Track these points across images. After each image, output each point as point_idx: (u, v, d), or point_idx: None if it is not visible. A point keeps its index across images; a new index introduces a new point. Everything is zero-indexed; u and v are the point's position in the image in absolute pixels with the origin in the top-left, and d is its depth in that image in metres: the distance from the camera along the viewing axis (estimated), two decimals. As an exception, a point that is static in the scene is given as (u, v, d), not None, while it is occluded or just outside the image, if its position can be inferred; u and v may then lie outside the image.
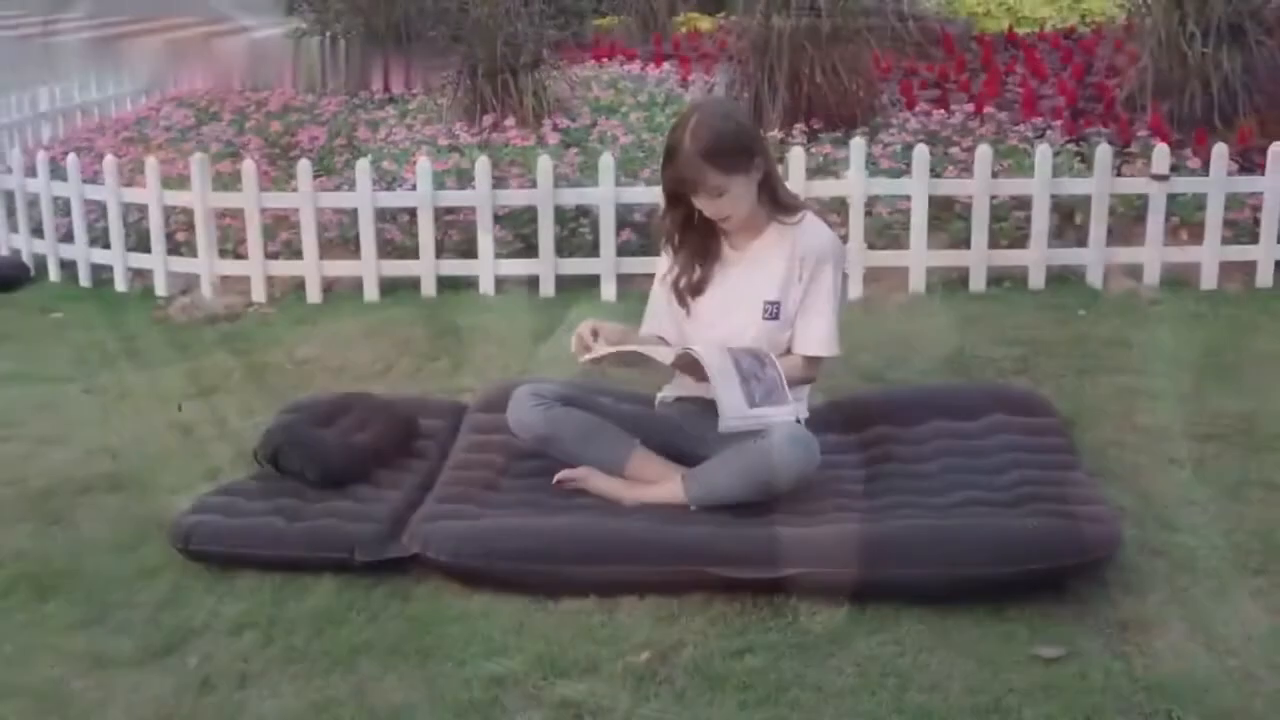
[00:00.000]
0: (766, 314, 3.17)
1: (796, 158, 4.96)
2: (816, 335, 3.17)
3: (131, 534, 3.23)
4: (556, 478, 3.18)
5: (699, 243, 3.22)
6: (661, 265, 3.32)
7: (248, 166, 5.21)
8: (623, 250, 5.09)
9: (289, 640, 2.70)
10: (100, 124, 7.92)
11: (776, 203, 3.17)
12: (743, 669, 2.53)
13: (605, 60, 8.06)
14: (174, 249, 5.52)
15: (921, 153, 4.94)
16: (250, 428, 3.86)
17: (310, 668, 2.61)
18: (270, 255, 5.34)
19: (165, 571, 3.02)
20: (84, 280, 5.73)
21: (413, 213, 5.32)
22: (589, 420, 3.18)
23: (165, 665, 2.64)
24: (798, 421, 3.09)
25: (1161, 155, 5.00)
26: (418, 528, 2.96)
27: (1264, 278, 5.07)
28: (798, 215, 3.18)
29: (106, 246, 5.65)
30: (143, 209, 5.61)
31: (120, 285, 5.61)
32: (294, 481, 3.27)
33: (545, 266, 5.07)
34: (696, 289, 3.22)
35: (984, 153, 4.93)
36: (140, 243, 5.62)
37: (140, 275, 5.65)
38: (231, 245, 5.52)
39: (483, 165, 5.05)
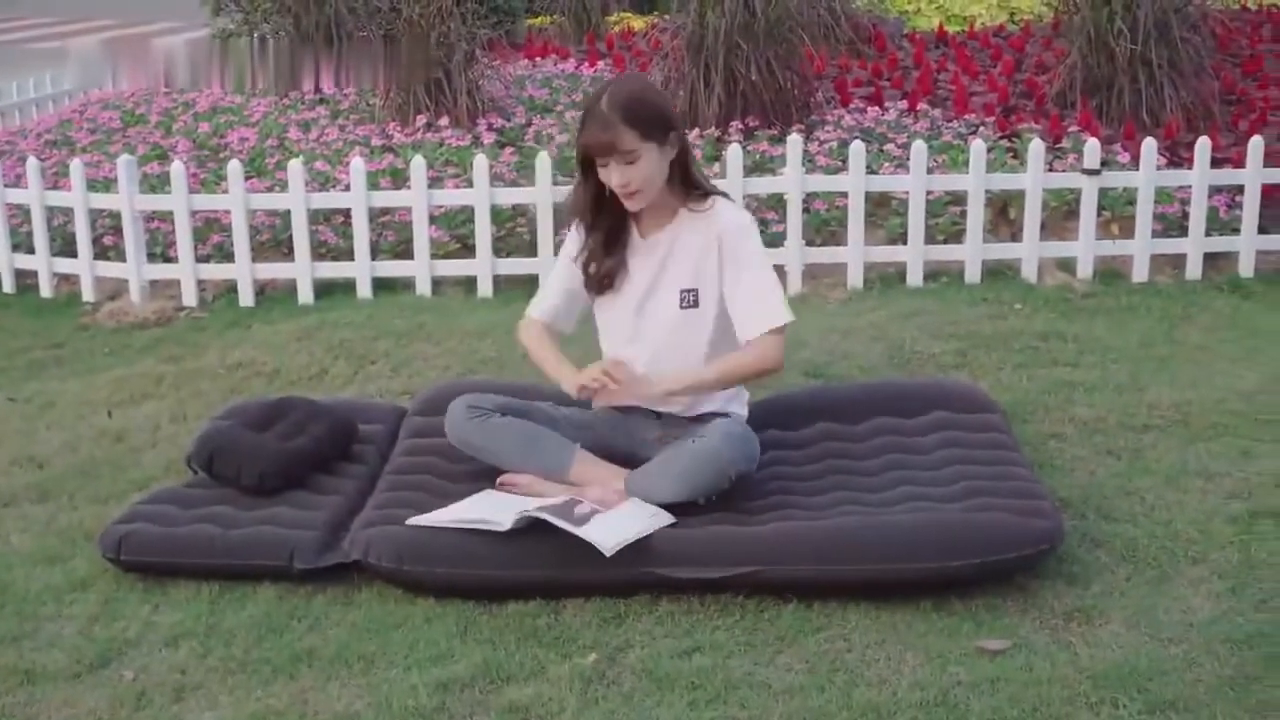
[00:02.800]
0: (684, 302, 3.11)
1: (734, 155, 4.95)
2: (762, 310, 3.04)
3: (61, 545, 3.15)
4: (499, 481, 3.14)
5: (609, 228, 3.13)
6: (569, 244, 3.23)
7: (176, 168, 5.11)
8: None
9: (228, 650, 2.64)
10: (22, 127, 7.74)
11: (689, 187, 3.09)
12: (691, 669, 2.51)
13: (539, 59, 8.02)
14: (101, 253, 5.40)
15: (858, 149, 4.96)
16: (183, 434, 3.78)
17: (250, 678, 2.55)
18: (201, 258, 5.24)
19: (97, 583, 2.95)
20: (7, 286, 5.58)
21: (347, 214, 5.25)
22: (528, 429, 3.12)
23: (99, 679, 2.57)
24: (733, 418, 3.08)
25: (1092, 151, 5.06)
26: (358, 534, 2.91)
27: (1193, 270, 5.15)
28: (709, 202, 3.10)
29: (30, 251, 5.51)
30: (68, 212, 5.48)
31: (45, 291, 5.47)
32: (229, 488, 3.20)
33: (483, 267, 5.03)
34: (606, 278, 3.15)
35: (919, 149, 4.96)
36: (65, 247, 5.49)
37: (66, 280, 5.52)
38: (161, 249, 5.41)
39: (418, 165, 4.99)
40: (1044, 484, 3.09)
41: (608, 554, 2.69)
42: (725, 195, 3.19)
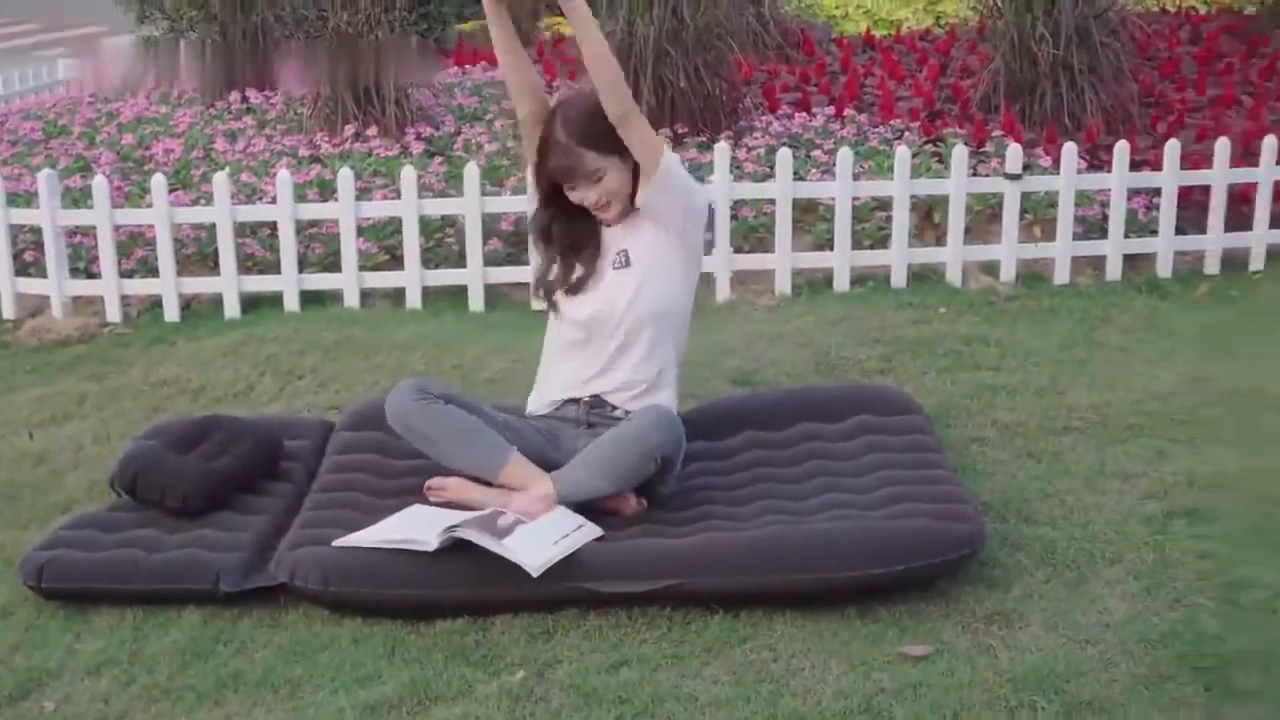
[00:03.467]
0: (616, 264, 3.18)
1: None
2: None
3: (-21, 572, 3.10)
4: (426, 484, 3.13)
5: (576, 238, 3.21)
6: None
7: (99, 183, 5.04)
8: (490, 260, 5.05)
9: (151, 677, 2.62)
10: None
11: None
12: (618, 683, 2.52)
13: (468, 66, 7.99)
14: (21, 269, 5.31)
15: (784, 156, 5.00)
16: (106, 455, 3.73)
17: (174, 705, 2.53)
18: (125, 273, 5.17)
19: (17, 611, 2.91)
20: (-75, 304, 5.47)
21: (273, 226, 5.21)
22: (469, 422, 3.12)
23: (19, 711, 2.54)
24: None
25: (1015, 155, 5.14)
26: (285, 555, 2.89)
27: (1113, 271, 5.25)
28: None
29: (-52, 268, 5.40)
30: (-12, 228, 5.38)
31: (-36, 308, 5.37)
32: (153, 511, 3.17)
33: (412, 278, 5.01)
34: (578, 286, 3.20)
35: (845, 156, 5.01)
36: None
37: (-15, 297, 5.41)
38: (84, 264, 5.33)
39: (345, 177, 4.96)
40: (966, 487, 3.14)
41: (534, 574, 2.69)
42: None
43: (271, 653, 2.69)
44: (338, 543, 2.88)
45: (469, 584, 2.77)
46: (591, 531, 2.90)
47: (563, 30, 9.78)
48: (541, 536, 2.80)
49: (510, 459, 3.09)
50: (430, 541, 2.77)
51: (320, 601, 2.82)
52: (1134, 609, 2.73)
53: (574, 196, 3.13)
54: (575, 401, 3.25)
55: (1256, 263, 5.38)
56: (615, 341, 3.18)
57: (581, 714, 2.44)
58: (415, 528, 2.88)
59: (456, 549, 2.78)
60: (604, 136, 3.05)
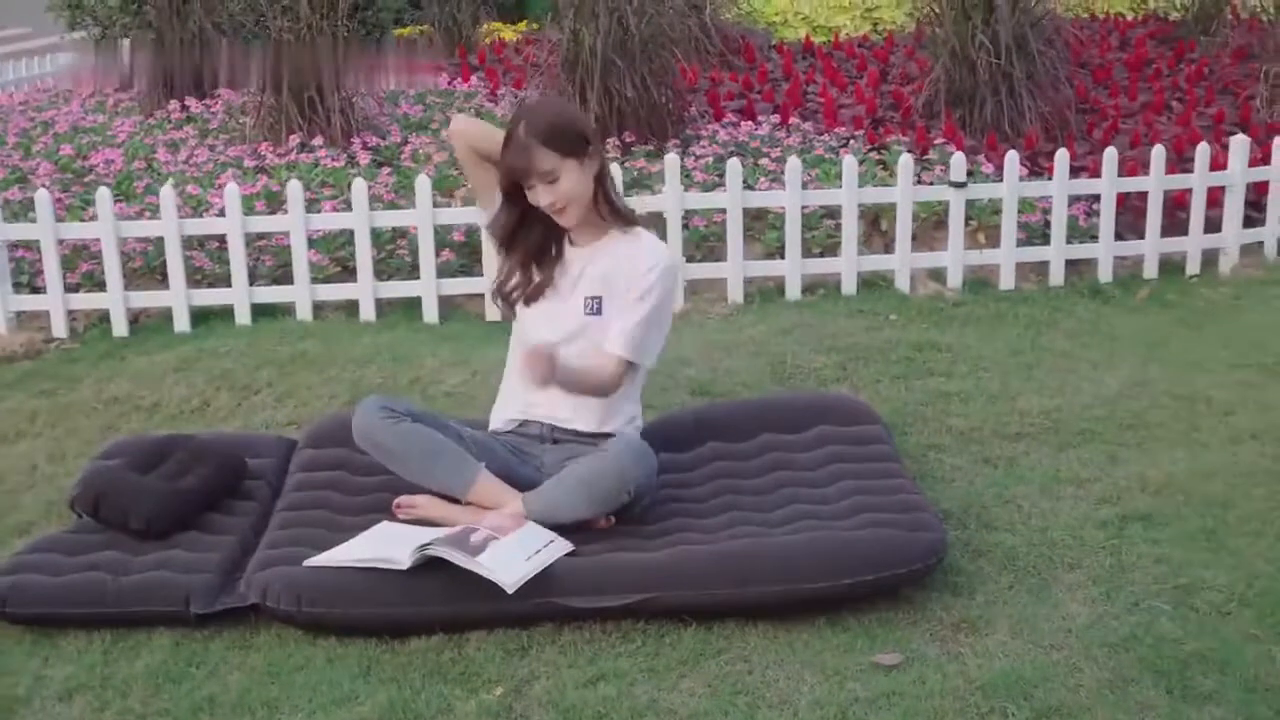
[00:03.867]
0: (588, 309, 3.22)
1: (613, 173, 4.99)
2: (617, 330, 3.17)
3: (-61, 598, 3.05)
4: (396, 503, 3.14)
5: (537, 245, 3.24)
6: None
7: (41, 196, 4.96)
8: (443, 271, 5.05)
9: (125, 703, 2.60)
10: None
11: (613, 208, 3.22)
12: (596, 698, 2.55)
13: (415, 76, 7.95)
14: (-39, 284, 5.21)
15: (734, 166, 5.05)
16: (62, 474, 3.70)
17: (150, 730, 2.52)
18: (70, 288, 5.10)
19: (-19, 638, 2.87)
20: None
21: (222, 239, 5.16)
22: (436, 440, 3.12)
23: (-10, 740, 2.51)
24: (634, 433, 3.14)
25: (959, 164, 5.23)
26: (255, 576, 2.88)
27: (1056, 276, 5.36)
28: (635, 230, 3.24)
29: (-115, 283, 5.29)
30: (-76, 242, 5.28)
31: (-97, 325, 5.26)
32: (116, 533, 3.14)
33: (364, 290, 4.99)
34: (535, 294, 3.24)
35: (794, 165, 5.07)
36: (-77, 278, 5.28)
37: (-75, 313, 5.31)
38: (26, 278, 5.24)
39: (295, 189, 4.93)
40: (925, 496, 3.20)
41: (510, 591, 2.71)
42: (648, 226, 3.32)
43: (245, 675, 2.68)
44: (309, 562, 2.87)
45: (443, 601, 2.78)
46: (562, 546, 2.92)
47: (503, 35, 9.78)
48: (514, 552, 2.82)
49: (479, 477, 3.10)
50: (403, 560, 2.78)
51: (293, 622, 2.81)
52: (1095, 613, 2.81)
53: (531, 198, 3.14)
54: (536, 421, 3.28)
55: (1193, 266, 5.52)
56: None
57: (562, 730, 2.47)
58: (386, 546, 2.88)
59: (430, 566, 2.79)
60: (563, 140, 3.08)
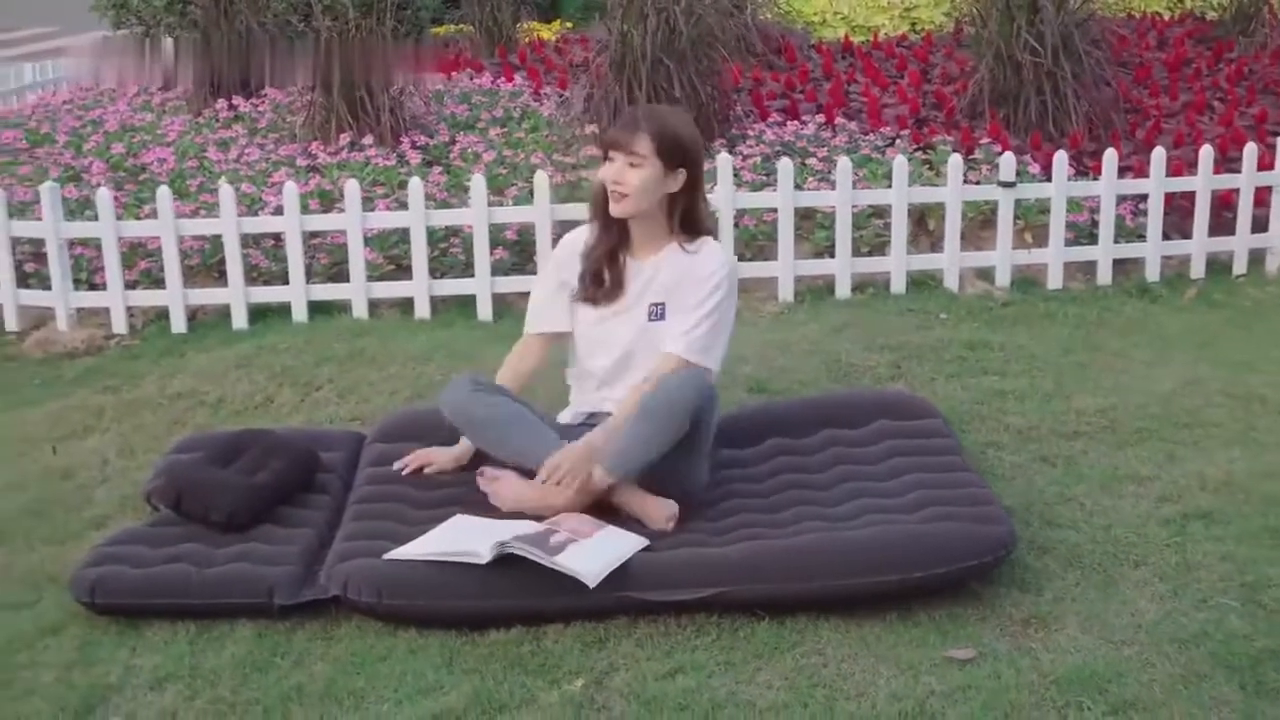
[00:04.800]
0: (651, 315, 3.28)
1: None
2: (678, 332, 3.24)
3: (24, 590, 3.12)
4: (481, 470, 3.22)
5: (610, 245, 3.31)
6: (562, 249, 3.41)
7: (103, 195, 5.04)
8: (496, 269, 5.11)
9: (215, 691, 2.66)
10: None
11: (687, 223, 3.29)
12: (676, 689, 2.60)
13: (453, 73, 8.02)
14: (20, 280, 5.30)
15: (785, 166, 5.09)
16: (133, 469, 3.76)
17: (241, 718, 2.58)
18: (128, 285, 5.17)
19: (70, 627, 2.93)
20: (-78, 317, 5.44)
21: (276, 237, 5.23)
22: (522, 413, 3.23)
23: (87, 726, 2.57)
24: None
25: (1008, 164, 5.26)
26: (335, 569, 2.94)
27: (1104, 276, 5.39)
28: (698, 243, 3.28)
29: (-54, 280, 5.38)
30: (-17, 239, 5.36)
31: (-36, 321, 5.35)
32: (194, 526, 3.20)
33: (419, 288, 5.05)
34: (605, 290, 3.31)
35: (845, 165, 5.11)
36: (-19, 275, 5.37)
37: (-15, 310, 5.40)
38: (85, 275, 5.32)
39: (352, 188, 5.00)
40: (990, 488, 3.23)
41: (591, 585, 2.76)
42: (715, 236, 3.40)
43: (330, 665, 2.74)
44: (388, 556, 2.93)
45: (521, 595, 2.83)
46: (638, 542, 2.97)
47: (540, 35, 9.84)
48: (593, 553, 2.87)
49: (555, 449, 3.16)
50: (483, 553, 2.83)
51: (373, 614, 2.87)
52: (1163, 610, 2.84)
53: (604, 168, 3.24)
54: (606, 414, 3.34)
55: (1239, 266, 5.54)
56: (623, 364, 3.32)
57: (644, 721, 2.51)
58: (465, 539, 2.94)
59: (509, 560, 2.84)
60: (668, 142, 3.19)
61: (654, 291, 3.29)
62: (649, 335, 3.28)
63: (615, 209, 3.23)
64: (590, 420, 3.37)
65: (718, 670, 2.67)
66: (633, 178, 3.18)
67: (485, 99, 7.16)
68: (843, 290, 5.18)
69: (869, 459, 3.42)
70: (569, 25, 10.78)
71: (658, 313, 3.28)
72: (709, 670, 2.67)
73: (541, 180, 5.03)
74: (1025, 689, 2.56)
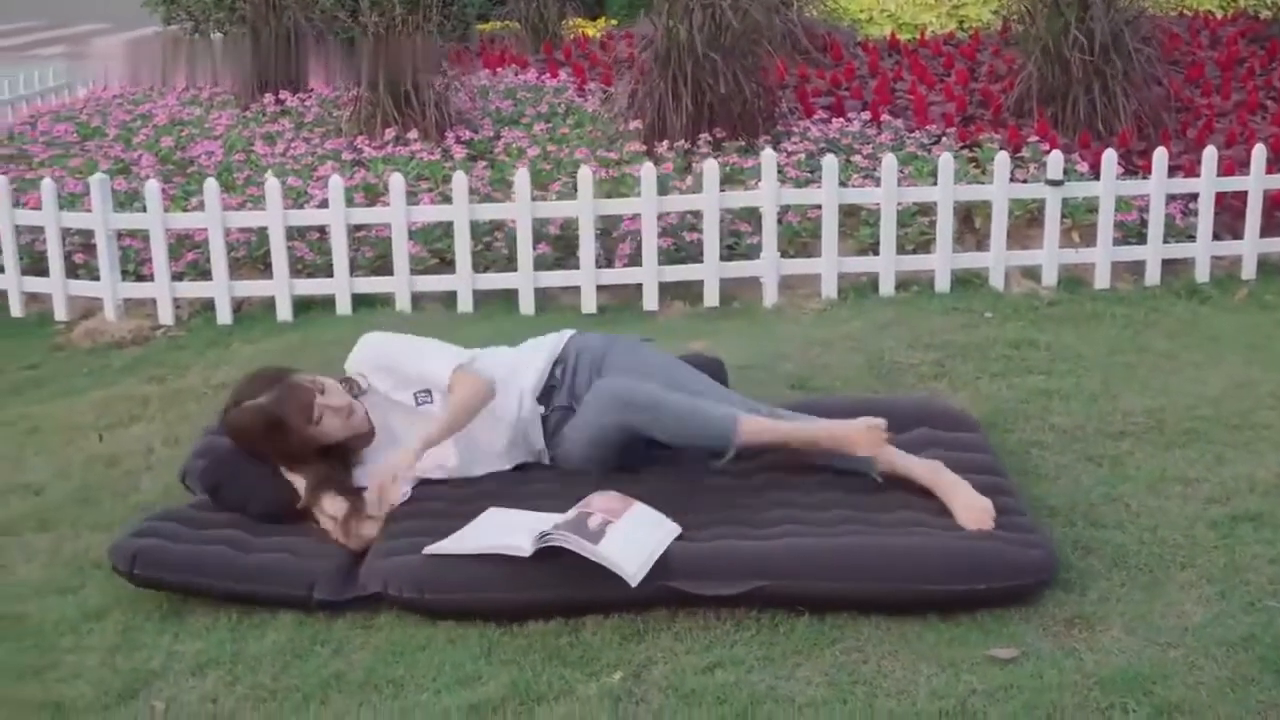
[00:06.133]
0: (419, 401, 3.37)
1: (710, 170, 5.04)
2: (432, 368, 3.35)
3: (70, 575, 3.15)
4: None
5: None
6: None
7: (151, 187, 5.09)
8: (539, 264, 5.12)
9: (255, 678, 2.68)
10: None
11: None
12: (715, 684, 2.58)
13: (498, 69, 8.05)
14: (70, 271, 5.36)
15: (830, 163, 5.07)
16: (178, 458, 3.78)
17: (282, 705, 2.59)
18: (174, 276, 5.22)
19: (113, 613, 2.96)
20: (-27, 307, 5.53)
21: (321, 230, 5.27)
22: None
23: (130, 710, 2.59)
24: None
25: (1056, 162, 5.21)
26: (374, 565, 2.94)
27: (1152, 276, 5.32)
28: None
29: (-3, 270, 5.47)
30: (34, 230, 5.44)
31: (15, 310, 5.43)
32: (233, 514, 3.21)
33: (463, 282, 5.07)
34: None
35: (890, 162, 5.08)
36: (31, 265, 5.45)
37: (34, 299, 5.47)
38: (132, 266, 5.39)
39: (397, 182, 5.02)
40: (1033, 517, 3.15)
41: (634, 584, 2.75)
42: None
43: (370, 654, 2.75)
44: (428, 550, 2.93)
45: (560, 587, 2.83)
46: (672, 529, 2.97)
47: (586, 31, 9.85)
48: (632, 537, 2.86)
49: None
50: (525, 546, 2.83)
51: (414, 609, 2.86)
52: (1211, 612, 2.80)
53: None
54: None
55: (1292, 267, 5.45)
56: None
57: (683, 715, 2.50)
58: (506, 533, 2.93)
59: (548, 553, 2.83)
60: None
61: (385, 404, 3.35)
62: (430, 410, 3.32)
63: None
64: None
65: (757, 665, 2.65)
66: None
67: (530, 95, 7.18)
68: (886, 288, 5.14)
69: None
70: (613, 22, 10.79)
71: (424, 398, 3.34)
72: (748, 665, 2.65)
73: (585, 175, 5.04)
74: (1068, 689, 2.53)
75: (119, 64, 9.45)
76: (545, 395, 3.39)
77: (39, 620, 2.94)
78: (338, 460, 3.27)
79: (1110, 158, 5.23)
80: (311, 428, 3.18)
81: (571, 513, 2.98)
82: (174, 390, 4.38)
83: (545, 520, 2.95)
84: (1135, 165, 5.79)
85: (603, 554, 2.78)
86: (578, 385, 3.38)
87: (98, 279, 5.22)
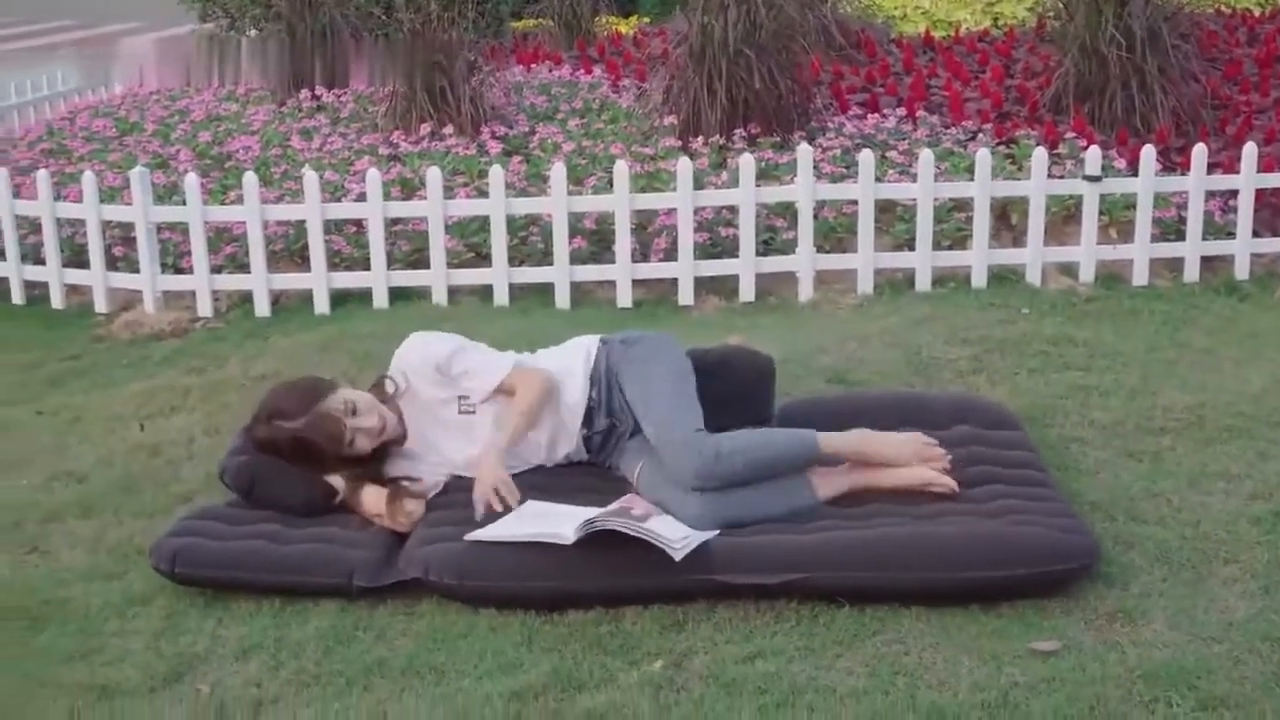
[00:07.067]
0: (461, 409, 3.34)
1: (746, 164, 5.04)
2: (478, 384, 3.34)
3: (114, 561, 3.19)
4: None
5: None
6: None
7: (190, 181, 5.13)
8: (575, 258, 5.13)
9: (299, 663, 2.70)
10: (9, 134, 7.71)
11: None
12: (755, 674, 2.59)
13: (532, 65, 8.07)
14: (110, 263, 5.41)
15: (867, 158, 5.06)
16: (218, 447, 3.81)
17: (325, 690, 2.61)
18: (213, 269, 5.26)
19: (157, 598, 2.99)
20: (16, 298, 5.59)
21: (358, 223, 5.30)
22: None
23: (175, 693, 2.62)
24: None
25: (1094, 158, 5.18)
26: (415, 552, 2.96)
27: (1191, 273, 5.28)
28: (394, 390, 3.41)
29: (39, 263, 5.52)
30: (74, 223, 5.50)
31: (56, 302, 5.49)
32: (270, 509, 3.22)
33: (499, 275, 5.09)
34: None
35: (927, 157, 5.07)
36: (71, 258, 5.51)
37: (75, 291, 5.53)
38: (171, 259, 5.43)
39: (434, 176, 5.05)
40: (1073, 508, 3.14)
41: (677, 558, 2.76)
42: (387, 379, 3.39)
43: (412, 640, 2.77)
44: (470, 536, 2.95)
45: (602, 576, 2.84)
46: (711, 531, 2.97)
47: (619, 29, 9.86)
48: (673, 525, 2.88)
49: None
50: (568, 534, 2.84)
51: (455, 596, 2.88)
52: (1255, 608, 2.78)
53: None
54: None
55: (1332, 265, 5.40)
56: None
57: (724, 704, 2.51)
58: (548, 522, 2.94)
59: (589, 541, 2.84)
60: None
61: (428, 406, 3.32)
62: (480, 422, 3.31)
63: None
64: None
65: (798, 655, 2.66)
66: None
67: (564, 90, 7.20)
68: (922, 283, 5.13)
69: (952, 462, 3.34)
70: (646, 20, 10.81)
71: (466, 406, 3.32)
72: (789, 655, 2.65)
73: (621, 169, 5.04)
74: (1111, 682, 2.52)
75: (155, 64, 9.54)
76: (586, 417, 3.35)
77: (84, 605, 2.98)
78: (369, 460, 3.28)
79: (1149, 153, 5.20)
80: (342, 449, 3.20)
81: (614, 505, 2.99)
82: (213, 381, 4.41)
83: (587, 511, 2.96)
84: (1173, 162, 5.75)
85: (647, 529, 2.80)
86: (614, 403, 3.35)
87: (137, 271, 5.27)
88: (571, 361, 3.40)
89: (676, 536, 2.84)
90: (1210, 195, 5.42)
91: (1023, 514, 2.99)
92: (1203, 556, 3.01)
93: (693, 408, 3.21)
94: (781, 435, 3.22)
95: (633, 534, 2.80)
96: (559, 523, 2.91)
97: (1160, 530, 3.13)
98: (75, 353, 4.98)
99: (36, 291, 5.60)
